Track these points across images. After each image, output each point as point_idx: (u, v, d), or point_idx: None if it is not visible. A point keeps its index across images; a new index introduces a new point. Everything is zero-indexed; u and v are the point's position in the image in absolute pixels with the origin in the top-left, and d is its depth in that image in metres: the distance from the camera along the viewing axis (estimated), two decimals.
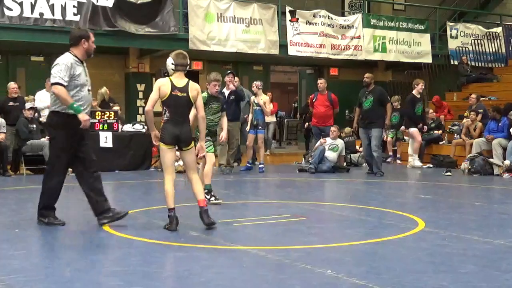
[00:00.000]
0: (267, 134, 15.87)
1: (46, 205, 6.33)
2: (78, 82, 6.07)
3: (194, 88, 6.07)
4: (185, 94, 5.98)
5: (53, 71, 6.02)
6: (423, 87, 13.17)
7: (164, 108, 6.04)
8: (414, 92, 13.12)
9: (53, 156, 6.34)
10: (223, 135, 8.01)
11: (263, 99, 12.24)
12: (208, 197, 7.32)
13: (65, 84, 5.95)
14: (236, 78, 12.51)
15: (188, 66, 6.17)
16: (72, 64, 6.05)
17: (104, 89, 13.48)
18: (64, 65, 6.01)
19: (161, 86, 6.00)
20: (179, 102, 5.99)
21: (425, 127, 13.60)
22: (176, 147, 6.07)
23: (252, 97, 12.46)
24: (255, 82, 12.48)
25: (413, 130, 13.30)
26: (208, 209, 6.05)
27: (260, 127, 12.12)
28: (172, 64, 6.07)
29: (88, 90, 6.25)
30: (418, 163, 13.38)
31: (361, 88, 11.92)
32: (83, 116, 5.96)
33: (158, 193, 8.72)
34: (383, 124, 11.75)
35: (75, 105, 5.93)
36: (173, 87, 5.97)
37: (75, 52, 6.15)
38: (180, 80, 6.04)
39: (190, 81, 6.13)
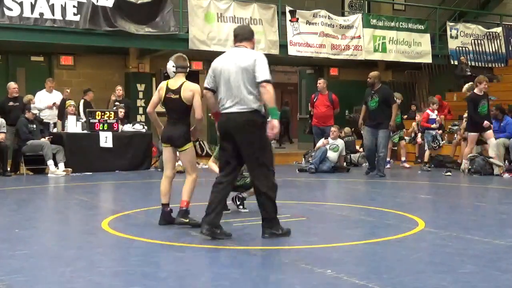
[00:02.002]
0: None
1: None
2: None
3: (188, 89, 6.02)
4: (177, 96, 6.01)
5: (262, 67, 5.43)
6: (486, 86, 12.18)
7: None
8: (475, 90, 12.08)
9: (268, 156, 5.57)
10: None
11: None
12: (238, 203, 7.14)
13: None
14: None
15: (188, 68, 6.21)
16: None
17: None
18: (266, 59, 5.52)
19: (159, 89, 6.19)
20: (172, 104, 6.06)
21: (491, 125, 12.26)
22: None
23: None
24: None
25: (471, 135, 11.97)
26: (187, 210, 6.02)
27: None
28: (173, 66, 6.15)
29: None
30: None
31: (361, 88, 11.88)
32: (277, 123, 5.35)
33: (157, 193, 8.72)
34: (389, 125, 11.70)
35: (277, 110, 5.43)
36: (168, 89, 6.09)
37: (249, 48, 5.66)
38: (175, 82, 6.10)
39: (187, 82, 6.10)
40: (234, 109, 5.41)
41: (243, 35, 5.67)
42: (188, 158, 6.16)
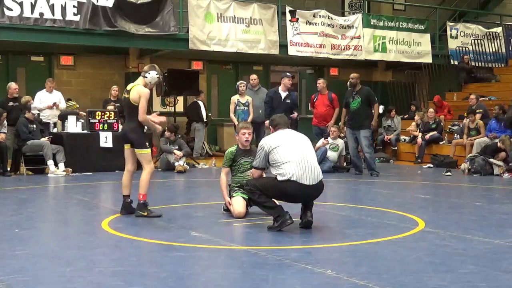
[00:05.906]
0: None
1: None
2: None
3: (135, 91, 6.51)
4: (127, 96, 6.56)
5: None
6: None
7: None
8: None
9: None
10: None
11: (248, 99, 12.43)
12: None
13: None
14: (255, 76, 12.74)
15: (143, 73, 6.63)
16: None
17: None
18: None
19: None
20: (124, 103, 6.77)
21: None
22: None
23: (236, 97, 12.57)
24: (241, 82, 12.65)
25: None
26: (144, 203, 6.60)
27: None
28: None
29: None
30: None
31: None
32: None
33: (157, 193, 8.73)
34: (370, 125, 11.71)
35: None
36: (125, 91, 6.69)
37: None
38: (132, 84, 6.64)
39: (139, 85, 6.55)
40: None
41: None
42: (143, 160, 6.69)
